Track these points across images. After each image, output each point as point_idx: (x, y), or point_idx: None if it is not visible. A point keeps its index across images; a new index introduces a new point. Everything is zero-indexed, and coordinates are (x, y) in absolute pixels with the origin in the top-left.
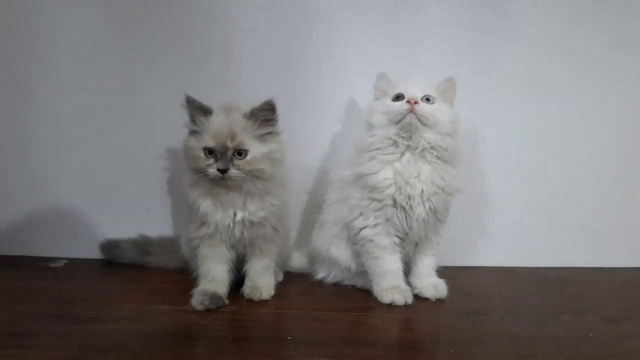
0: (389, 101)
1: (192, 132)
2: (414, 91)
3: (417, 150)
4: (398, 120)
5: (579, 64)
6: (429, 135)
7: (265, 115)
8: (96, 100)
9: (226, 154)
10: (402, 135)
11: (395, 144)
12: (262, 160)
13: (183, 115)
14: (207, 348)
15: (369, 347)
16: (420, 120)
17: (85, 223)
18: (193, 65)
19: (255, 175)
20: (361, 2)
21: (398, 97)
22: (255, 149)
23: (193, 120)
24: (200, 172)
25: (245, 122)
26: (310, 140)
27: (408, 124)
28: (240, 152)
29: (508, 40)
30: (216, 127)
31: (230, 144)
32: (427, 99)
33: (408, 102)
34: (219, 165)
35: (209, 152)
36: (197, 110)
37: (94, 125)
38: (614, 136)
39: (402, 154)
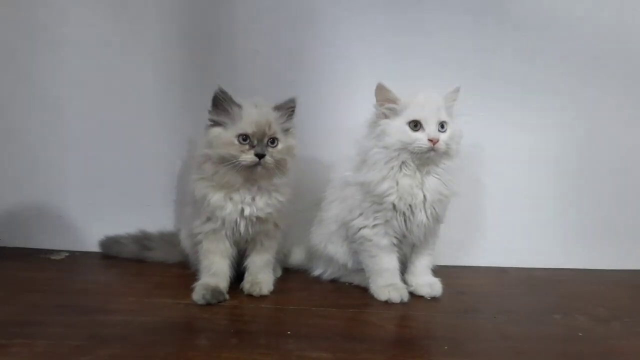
0: (404, 126)
1: (217, 124)
2: (432, 121)
3: (426, 169)
4: (416, 152)
5: (576, 73)
6: (441, 161)
7: (288, 111)
8: (100, 97)
9: (263, 141)
10: (416, 161)
11: (405, 164)
12: (287, 152)
13: (185, 112)
14: (210, 341)
15: (366, 343)
16: (438, 153)
17: (86, 216)
18: (197, 62)
19: (279, 166)
20: (363, 6)
21: (416, 125)
22: (283, 141)
23: (220, 112)
24: (230, 161)
25: (275, 114)
26: (310, 139)
27: (427, 157)
28: (273, 141)
29: (508, 48)
30: (254, 115)
31: (268, 131)
32: (442, 125)
33: (430, 140)
34: (257, 150)
35: (244, 139)
36: (229, 102)
37: (96, 121)
38: (607, 142)
39: (410, 170)
